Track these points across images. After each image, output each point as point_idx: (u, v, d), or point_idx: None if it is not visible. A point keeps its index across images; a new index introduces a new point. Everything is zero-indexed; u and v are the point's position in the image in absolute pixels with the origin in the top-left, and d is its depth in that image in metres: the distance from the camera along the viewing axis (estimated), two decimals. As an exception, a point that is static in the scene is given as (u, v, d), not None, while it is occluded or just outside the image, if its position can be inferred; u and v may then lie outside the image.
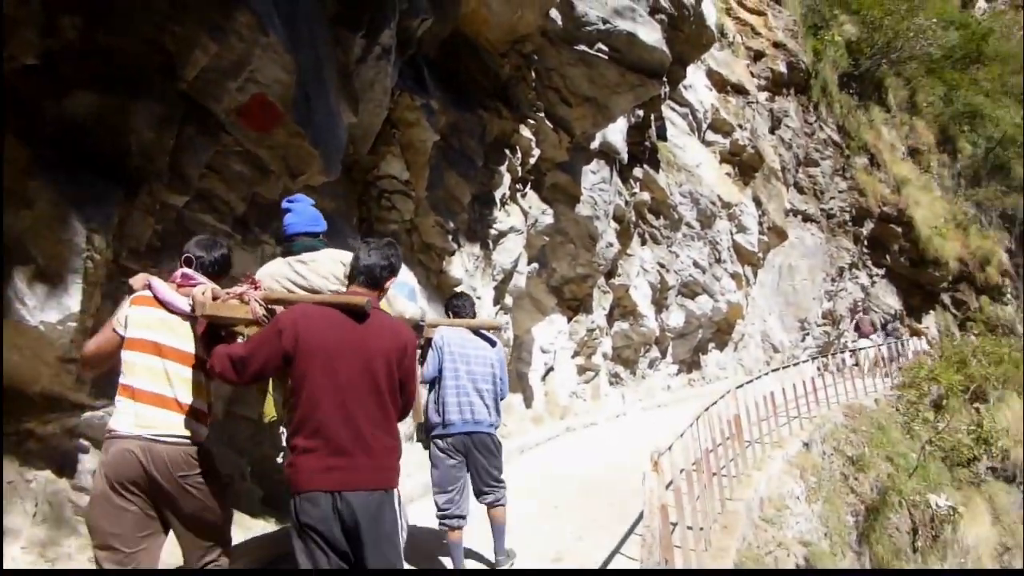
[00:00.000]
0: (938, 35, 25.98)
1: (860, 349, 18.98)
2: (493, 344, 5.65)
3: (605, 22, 9.95)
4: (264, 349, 3.14)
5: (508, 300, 10.03)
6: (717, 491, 7.49)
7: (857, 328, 20.90)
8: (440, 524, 5.31)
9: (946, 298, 24.19)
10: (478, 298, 9.08)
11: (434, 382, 5.37)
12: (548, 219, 10.84)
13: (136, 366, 3.31)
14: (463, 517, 5.33)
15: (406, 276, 5.21)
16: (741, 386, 9.84)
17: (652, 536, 5.01)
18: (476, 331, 5.56)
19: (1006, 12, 36.42)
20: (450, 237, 8.33)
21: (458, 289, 8.30)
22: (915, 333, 22.29)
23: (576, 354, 12.67)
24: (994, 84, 29.16)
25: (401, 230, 7.69)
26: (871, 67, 24.69)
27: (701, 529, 6.37)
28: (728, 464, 8.45)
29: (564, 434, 11.05)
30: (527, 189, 10.52)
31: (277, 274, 3.93)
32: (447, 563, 5.42)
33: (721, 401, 8.71)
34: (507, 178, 9.66)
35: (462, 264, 8.74)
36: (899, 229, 22.71)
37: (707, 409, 7.82)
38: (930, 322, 23.67)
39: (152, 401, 3.28)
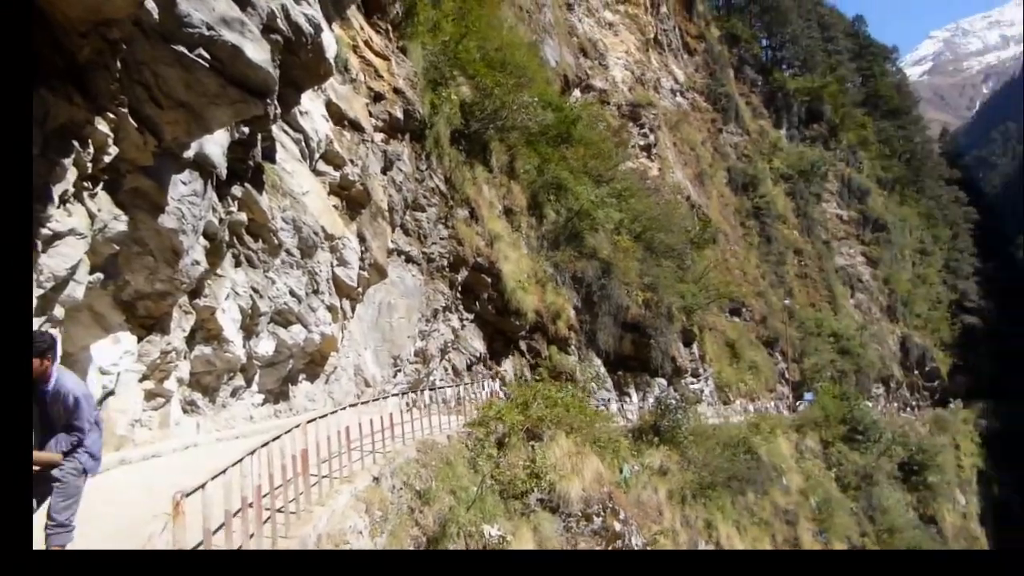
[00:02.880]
0: (537, 113, 28.70)
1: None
2: None
3: (210, 28, 9.26)
4: None
5: (59, 311, 8.78)
6: (269, 530, 7.25)
7: None
8: (59, 542, 5.72)
9: (523, 345, 26.28)
10: (18, 306, 7.86)
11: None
12: (121, 226, 9.77)
13: None
14: None
15: None
16: (313, 420, 9.64)
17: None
18: None
19: (593, 104, 43.69)
20: (-15, 231, 7.08)
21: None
22: (494, 376, 24.08)
23: (145, 378, 11.55)
24: (578, 163, 33.00)
25: (-88, 215, 6.35)
26: (480, 129, 26.11)
27: (239, 572, 6.00)
28: (290, 502, 8.21)
29: (116, 467, 9.92)
30: (98, 189, 9.37)
31: None
32: None
33: (287, 436, 8.44)
34: (72, 173, 8.49)
35: (-1, 264, 7.48)
36: (489, 279, 24.20)
37: (266, 444, 7.56)
38: (508, 366, 25.55)
39: None
